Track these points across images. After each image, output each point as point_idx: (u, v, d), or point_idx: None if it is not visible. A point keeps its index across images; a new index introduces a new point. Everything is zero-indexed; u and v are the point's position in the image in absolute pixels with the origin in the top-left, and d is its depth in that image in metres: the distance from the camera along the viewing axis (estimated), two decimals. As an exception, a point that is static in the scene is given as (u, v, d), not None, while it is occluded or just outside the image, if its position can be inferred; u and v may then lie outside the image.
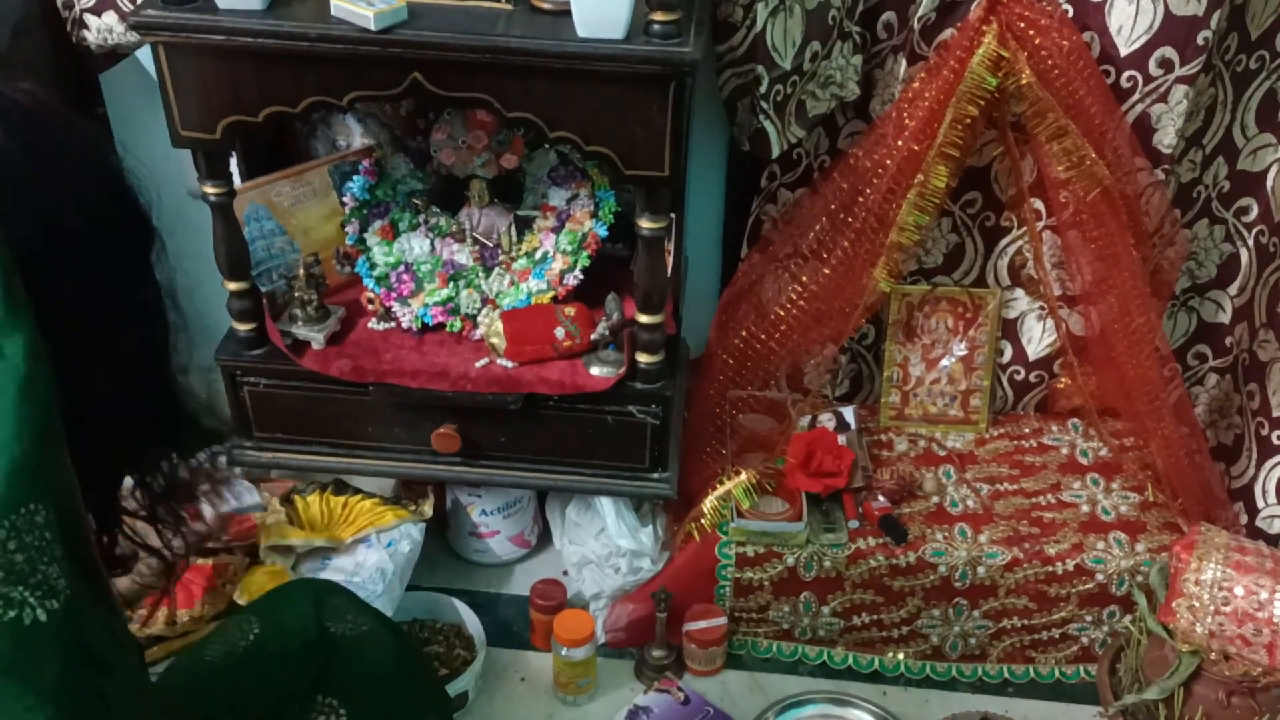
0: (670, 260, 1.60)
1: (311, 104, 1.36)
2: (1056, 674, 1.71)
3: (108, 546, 0.84)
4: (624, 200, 1.65)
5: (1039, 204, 1.76)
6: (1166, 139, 1.66)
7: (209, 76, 1.34)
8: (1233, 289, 1.83)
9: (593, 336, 1.57)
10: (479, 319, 1.63)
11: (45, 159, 0.72)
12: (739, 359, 1.81)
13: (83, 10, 1.56)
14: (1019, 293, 1.87)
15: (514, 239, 1.67)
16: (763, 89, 1.56)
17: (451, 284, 1.64)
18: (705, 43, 1.52)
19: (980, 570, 1.64)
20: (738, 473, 1.68)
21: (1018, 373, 1.92)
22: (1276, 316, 1.70)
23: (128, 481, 0.88)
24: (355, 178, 1.66)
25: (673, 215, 1.53)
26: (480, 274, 1.66)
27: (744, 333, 1.79)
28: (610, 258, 1.71)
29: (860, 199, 1.68)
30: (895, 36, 1.67)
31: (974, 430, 1.90)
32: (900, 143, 1.64)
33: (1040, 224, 1.77)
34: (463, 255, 1.66)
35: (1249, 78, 1.67)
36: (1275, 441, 1.70)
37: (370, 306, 1.65)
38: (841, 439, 1.73)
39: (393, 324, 1.64)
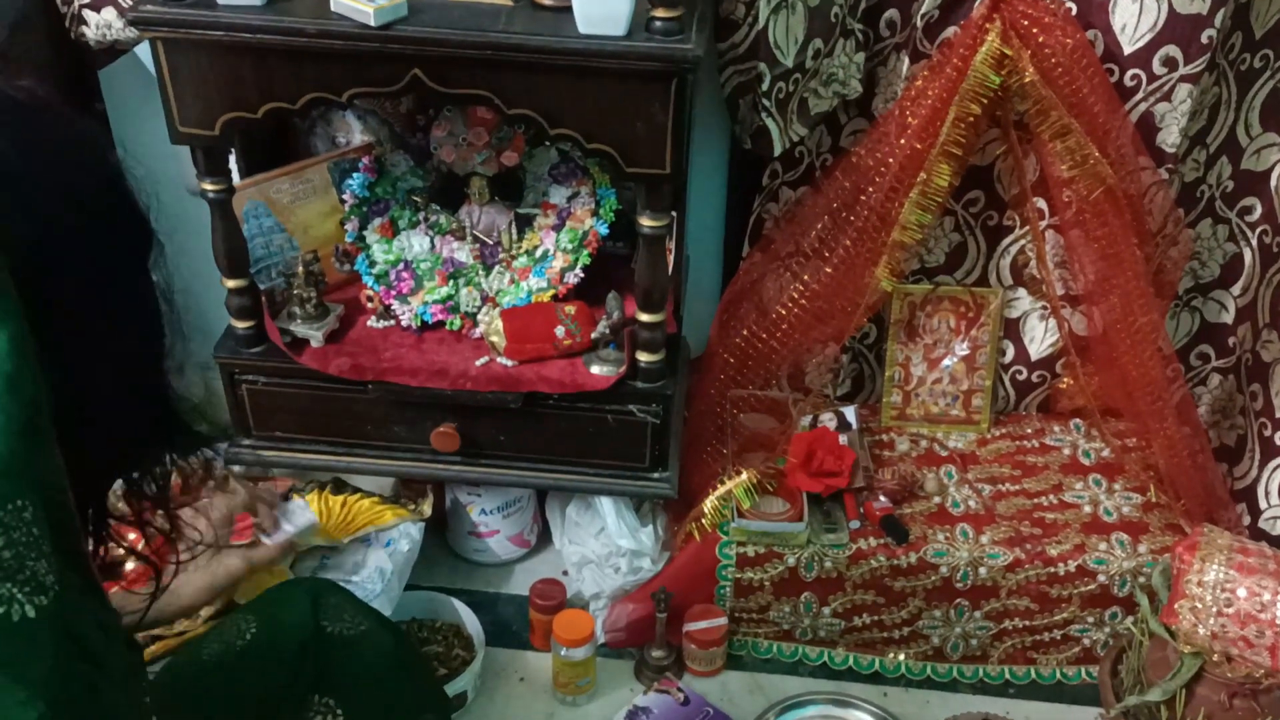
0: (671, 259, 1.60)
1: (311, 100, 1.35)
2: (1058, 675, 1.70)
3: (96, 549, 0.83)
4: (625, 198, 1.64)
5: (1042, 203, 1.75)
6: (1170, 138, 1.65)
7: (208, 72, 1.33)
8: (1236, 289, 1.82)
9: (593, 335, 1.56)
10: (479, 317, 1.62)
11: (42, 157, 0.71)
12: (740, 358, 1.80)
13: (81, 6, 1.56)
14: (1021, 292, 1.86)
15: (514, 237, 1.66)
16: (765, 86, 1.56)
17: (451, 282, 1.63)
18: (707, 40, 1.52)
19: (982, 571, 1.63)
20: (738, 472, 1.67)
21: (1020, 372, 1.91)
22: (1280, 317, 1.70)
23: (119, 486, 0.87)
24: (355, 175, 1.65)
25: (674, 213, 1.53)
26: (480, 272, 1.65)
27: (745, 332, 1.78)
28: (611, 256, 1.71)
29: (862, 197, 1.68)
30: (898, 34, 1.66)
31: (976, 430, 1.90)
32: (903, 141, 1.63)
33: (1043, 223, 1.77)
34: (463, 253, 1.65)
35: (1253, 77, 1.67)
36: (1278, 442, 1.69)
37: (370, 304, 1.64)
38: (843, 439, 1.73)
39: (392, 322, 1.64)
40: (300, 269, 1.56)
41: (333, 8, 1.29)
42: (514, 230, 1.66)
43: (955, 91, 1.58)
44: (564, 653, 1.60)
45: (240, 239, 1.52)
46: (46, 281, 0.70)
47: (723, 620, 1.66)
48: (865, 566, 1.63)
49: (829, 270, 1.71)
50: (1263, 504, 1.71)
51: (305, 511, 1.52)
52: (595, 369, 1.56)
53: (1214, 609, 1.44)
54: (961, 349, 1.88)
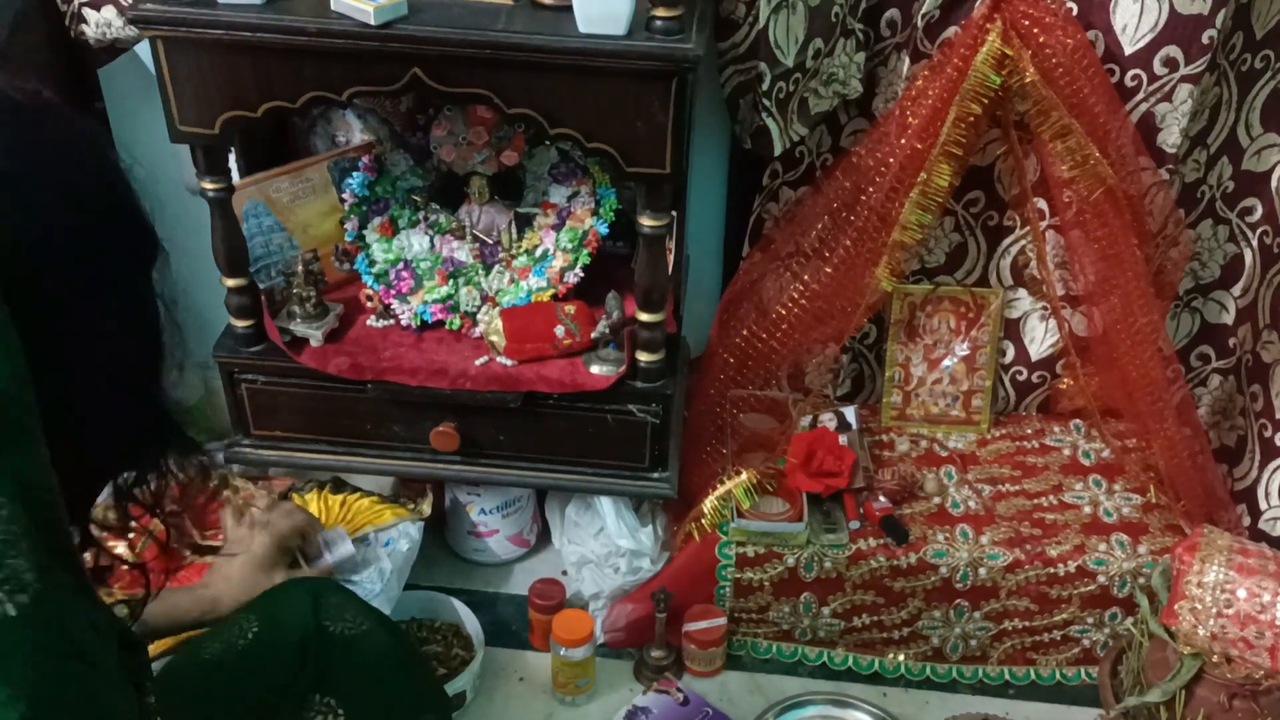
0: (671, 258, 1.60)
1: (311, 99, 1.35)
2: (1057, 676, 1.70)
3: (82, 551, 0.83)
4: (625, 198, 1.64)
5: (1042, 203, 1.75)
6: (1170, 138, 1.65)
7: (208, 71, 1.33)
8: (1236, 290, 1.82)
9: (593, 335, 1.56)
10: (478, 317, 1.62)
11: (42, 158, 0.71)
12: (740, 358, 1.80)
13: (81, 4, 1.56)
14: (1021, 293, 1.86)
15: (514, 236, 1.66)
16: (765, 86, 1.55)
17: (451, 281, 1.63)
18: (707, 39, 1.52)
19: (981, 571, 1.63)
20: (738, 472, 1.67)
21: (1020, 373, 1.91)
22: (1280, 317, 1.70)
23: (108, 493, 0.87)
24: (354, 174, 1.65)
25: (674, 213, 1.53)
26: (480, 271, 1.65)
27: (745, 331, 1.78)
28: (611, 255, 1.71)
29: (863, 197, 1.67)
30: (899, 34, 1.66)
31: (976, 431, 1.90)
32: (903, 141, 1.63)
33: (1043, 223, 1.77)
34: (462, 252, 1.65)
35: (1254, 77, 1.67)
36: (1278, 443, 1.69)
37: (369, 304, 1.64)
38: (843, 439, 1.72)
39: (391, 321, 1.63)
40: (300, 268, 1.56)
41: (333, 6, 1.29)
42: (514, 230, 1.66)
43: (956, 91, 1.58)
44: (563, 653, 1.60)
45: (240, 238, 1.52)
46: (44, 282, 0.70)
47: (722, 620, 1.66)
48: (865, 567, 1.63)
49: (829, 270, 1.71)
50: (1263, 505, 1.71)
51: (345, 542, 1.54)
52: (595, 369, 1.56)
53: (1214, 610, 1.44)
54: (961, 349, 1.88)
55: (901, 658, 1.71)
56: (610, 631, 1.69)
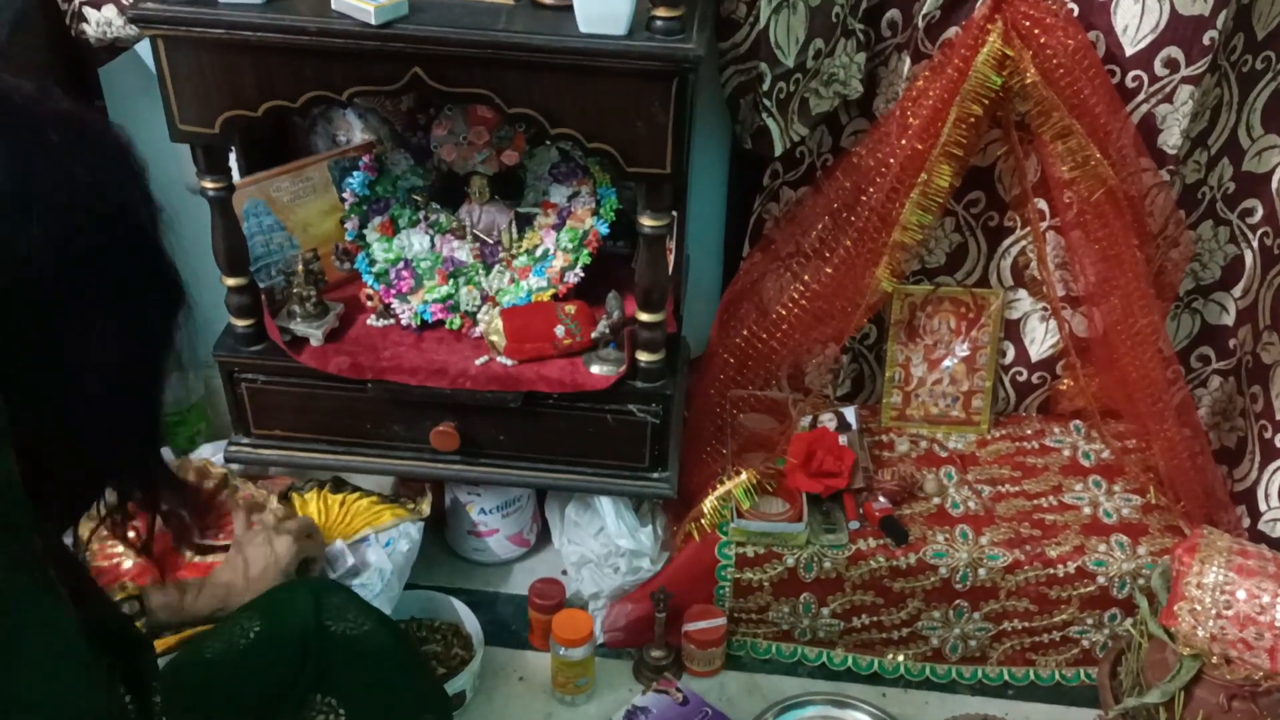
0: (671, 258, 1.59)
1: (311, 99, 1.35)
2: (1057, 677, 1.70)
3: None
4: (625, 198, 1.64)
5: (1043, 204, 1.75)
6: (1171, 139, 1.65)
7: (208, 70, 1.33)
8: (1237, 291, 1.82)
9: (593, 335, 1.56)
10: (479, 316, 1.62)
11: (75, 176, 0.72)
12: (740, 358, 1.80)
13: (82, 3, 1.56)
14: (1022, 293, 1.86)
15: (514, 236, 1.66)
16: (765, 86, 1.55)
17: (451, 281, 1.63)
18: (708, 39, 1.52)
19: (981, 572, 1.63)
20: (738, 472, 1.67)
21: (1020, 374, 1.91)
22: (1281, 319, 1.70)
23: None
24: (355, 173, 1.65)
25: (674, 213, 1.53)
26: (480, 271, 1.65)
27: (745, 332, 1.78)
28: (611, 255, 1.70)
29: (863, 198, 1.67)
30: (899, 34, 1.66)
31: (976, 431, 1.90)
32: (904, 141, 1.63)
33: (1044, 224, 1.77)
34: (463, 252, 1.65)
35: (1255, 78, 1.67)
36: (1278, 444, 1.69)
37: (369, 303, 1.64)
38: (842, 439, 1.72)
39: (392, 321, 1.63)
40: (300, 267, 1.56)
41: (333, 6, 1.29)
42: (514, 229, 1.66)
43: (956, 92, 1.58)
44: (563, 652, 1.60)
45: (240, 237, 1.52)
46: (57, 294, 0.70)
47: (722, 620, 1.66)
48: (864, 567, 1.63)
49: (829, 270, 1.71)
50: (1262, 506, 1.71)
51: (347, 558, 1.56)
52: (595, 368, 1.56)
53: (1213, 611, 1.44)
54: (962, 350, 1.88)
55: (901, 658, 1.71)
56: (610, 631, 1.69)
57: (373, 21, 1.26)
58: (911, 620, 1.68)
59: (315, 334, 1.58)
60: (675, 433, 1.63)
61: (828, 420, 1.81)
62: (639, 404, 1.57)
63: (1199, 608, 1.44)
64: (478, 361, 1.57)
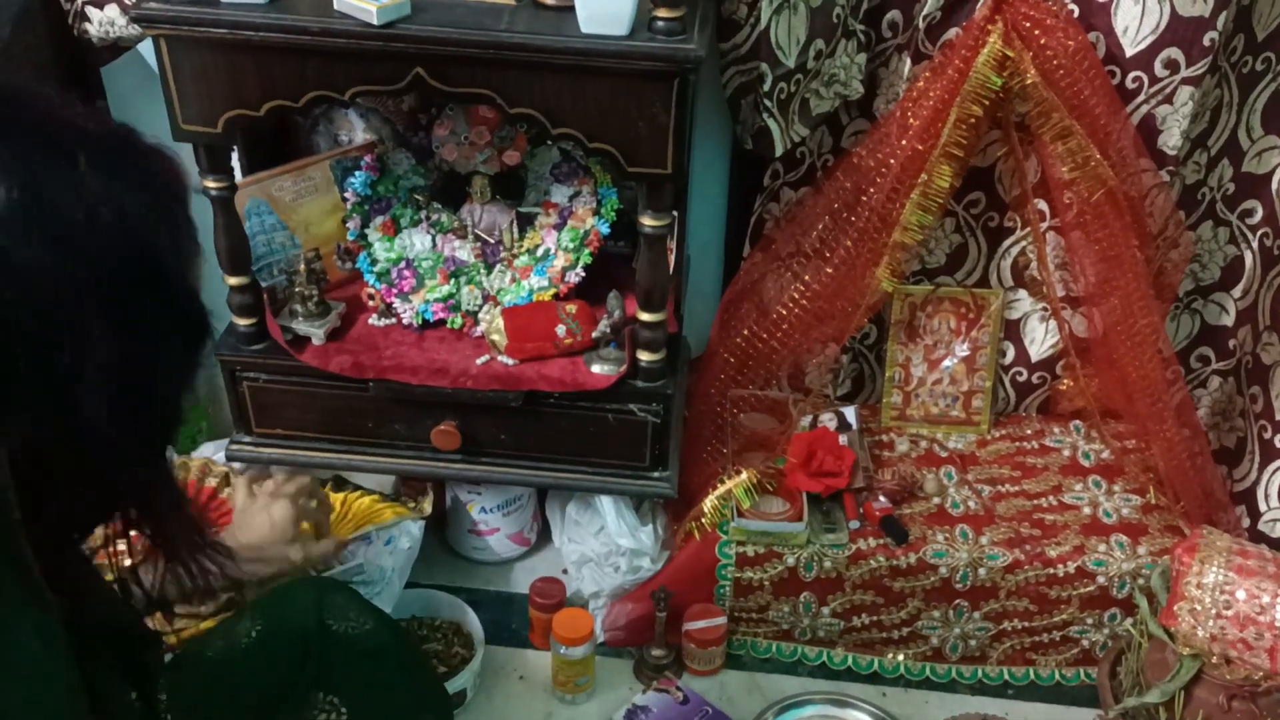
0: (672, 258, 1.60)
1: (313, 98, 1.35)
2: (1056, 676, 1.70)
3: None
4: (626, 198, 1.64)
5: (1043, 205, 1.75)
6: (1171, 140, 1.65)
7: (211, 70, 1.33)
8: (1236, 292, 1.82)
9: (594, 334, 1.57)
10: (480, 316, 1.62)
11: (96, 205, 0.72)
12: (740, 358, 1.80)
13: (84, 3, 1.56)
14: (1022, 293, 1.86)
15: (516, 236, 1.66)
16: (766, 87, 1.56)
17: (453, 280, 1.64)
18: (709, 40, 1.52)
19: (981, 572, 1.63)
20: (738, 472, 1.67)
21: (1020, 374, 1.91)
22: (1280, 319, 1.70)
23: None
24: (357, 173, 1.65)
25: (675, 213, 1.53)
26: (482, 270, 1.65)
27: (745, 331, 1.78)
28: (612, 255, 1.71)
29: (863, 198, 1.68)
30: (900, 35, 1.66)
31: (976, 431, 1.90)
32: (904, 142, 1.63)
33: (1044, 225, 1.77)
34: (464, 252, 1.66)
35: (1255, 79, 1.67)
36: (1278, 445, 1.69)
37: (371, 302, 1.64)
38: (843, 439, 1.73)
39: (393, 320, 1.64)
40: (302, 267, 1.57)
41: (336, 6, 1.29)
42: (515, 229, 1.66)
43: (957, 93, 1.58)
44: (563, 651, 1.60)
45: (242, 236, 1.52)
46: (56, 319, 0.70)
47: (722, 620, 1.66)
48: (864, 567, 1.63)
49: (830, 271, 1.71)
50: (1262, 506, 1.72)
51: (352, 559, 1.56)
52: (596, 368, 1.57)
53: (1213, 611, 1.44)
54: (962, 350, 1.88)
55: (901, 658, 1.71)
56: (610, 630, 1.69)
57: (375, 21, 1.26)
58: (911, 620, 1.68)
59: (317, 333, 1.58)
60: (676, 432, 1.63)
61: (828, 420, 1.81)
62: (640, 403, 1.57)
63: (1199, 608, 1.45)
64: (479, 361, 1.57)
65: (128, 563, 1.23)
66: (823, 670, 1.71)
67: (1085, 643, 1.69)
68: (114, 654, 0.91)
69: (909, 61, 1.66)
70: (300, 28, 1.28)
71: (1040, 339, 1.88)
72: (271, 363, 1.58)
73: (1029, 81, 1.57)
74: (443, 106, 1.62)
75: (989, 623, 1.67)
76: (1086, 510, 1.73)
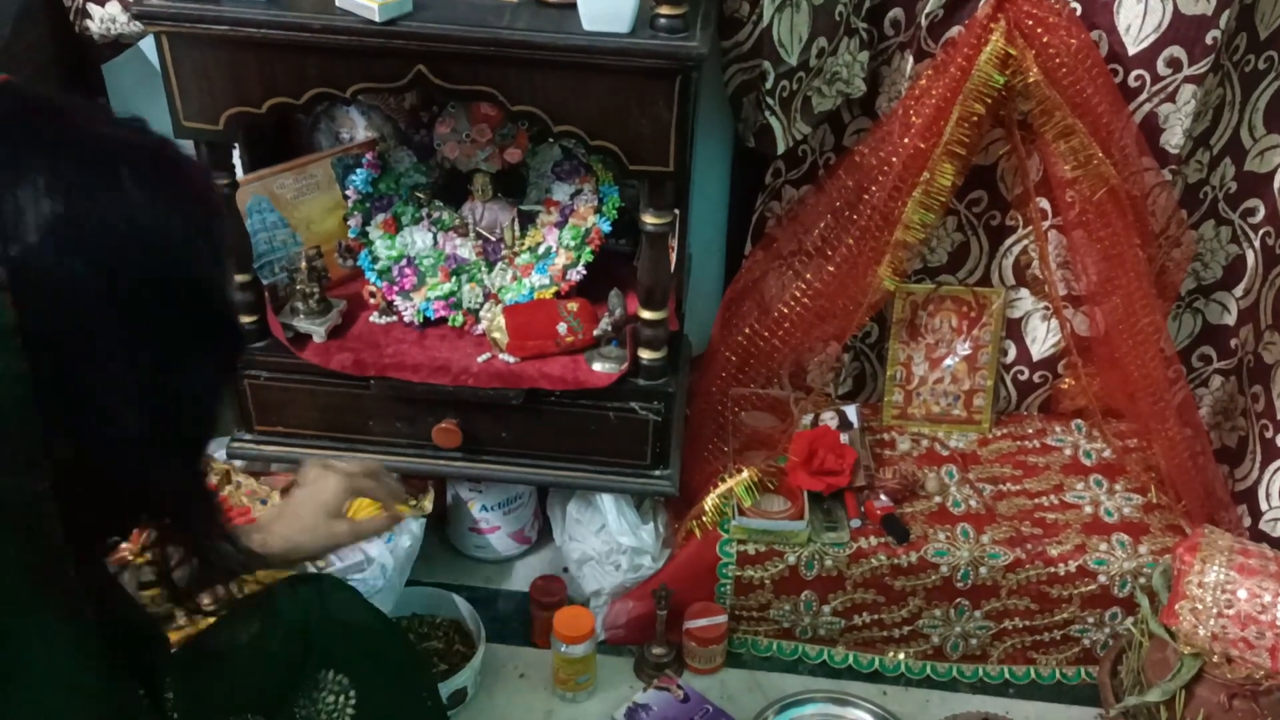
0: (673, 256, 1.60)
1: (315, 96, 1.35)
2: (1057, 675, 1.70)
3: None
4: (628, 196, 1.64)
5: (1045, 203, 1.75)
6: (1174, 139, 1.65)
7: (212, 67, 1.33)
8: (1238, 291, 1.82)
9: (595, 332, 1.57)
10: (481, 313, 1.62)
11: (138, 218, 0.71)
12: (742, 356, 1.80)
13: (86, 0, 1.56)
14: (1024, 292, 1.86)
15: (517, 233, 1.66)
16: (768, 85, 1.56)
17: (454, 278, 1.64)
18: (711, 37, 1.52)
19: (982, 570, 1.63)
20: (739, 470, 1.67)
21: (1021, 373, 1.91)
22: (1282, 318, 1.70)
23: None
24: (358, 171, 1.66)
25: (676, 211, 1.53)
26: (483, 268, 1.65)
27: (747, 330, 1.78)
28: (613, 253, 1.71)
29: (865, 196, 1.67)
30: (902, 33, 1.66)
31: (977, 430, 1.90)
32: (906, 140, 1.63)
33: (1046, 223, 1.77)
34: (465, 249, 1.66)
35: (1257, 78, 1.67)
36: (1279, 444, 1.69)
37: (372, 300, 1.64)
38: (844, 437, 1.73)
39: (394, 318, 1.64)
40: (303, 264, 1.57)
41: (337, 3, 1.29)
42: (517, 227, 1.66)
43: (959, 91, 1.58)
44: (564, 649, 1.60)
45: (243, 234, 1.52)
46: (94, 332, 0.70)
47: (723, 618, 1.66)
48: (866, 565, 1.63)
49: (831, 269, 1.71)
50: (1263, 505, 1.71)
51: (354, 552, 1.56)
52: (597, 366, 1.56)
53: (1214, 610, 1.44)
54: (963, 349, 1.88)
55: (902, 656, 1.71)
56: (611, 628, 1.69)
57: (377, 19, 1.26)
58: (912, 618, 1.68)
59: (318, 331, 1.58)
60: (677, 430, 1.63)
61: (829, 418, 1.81)
62: (641, 401, 1.57)
63: (1200, 606, 1.45)
64: (480, 359, 1.57)
65: (136, 560, 1.23)
66: (823, 669, 1.71)
67: (1086, 642, 1.69)
68: (123, 652, 0.91)
69: (911, 59, 1.66)
70: (302, 25, 1.28)
71: (1042, 338, 1.88)
72: (273, 360, 1.58)
73: (1031, 80, 1.57)
74: (444, 104, 1.62)
75: (990, 621, 1.67)
76: (1088, 509, 1.72)
